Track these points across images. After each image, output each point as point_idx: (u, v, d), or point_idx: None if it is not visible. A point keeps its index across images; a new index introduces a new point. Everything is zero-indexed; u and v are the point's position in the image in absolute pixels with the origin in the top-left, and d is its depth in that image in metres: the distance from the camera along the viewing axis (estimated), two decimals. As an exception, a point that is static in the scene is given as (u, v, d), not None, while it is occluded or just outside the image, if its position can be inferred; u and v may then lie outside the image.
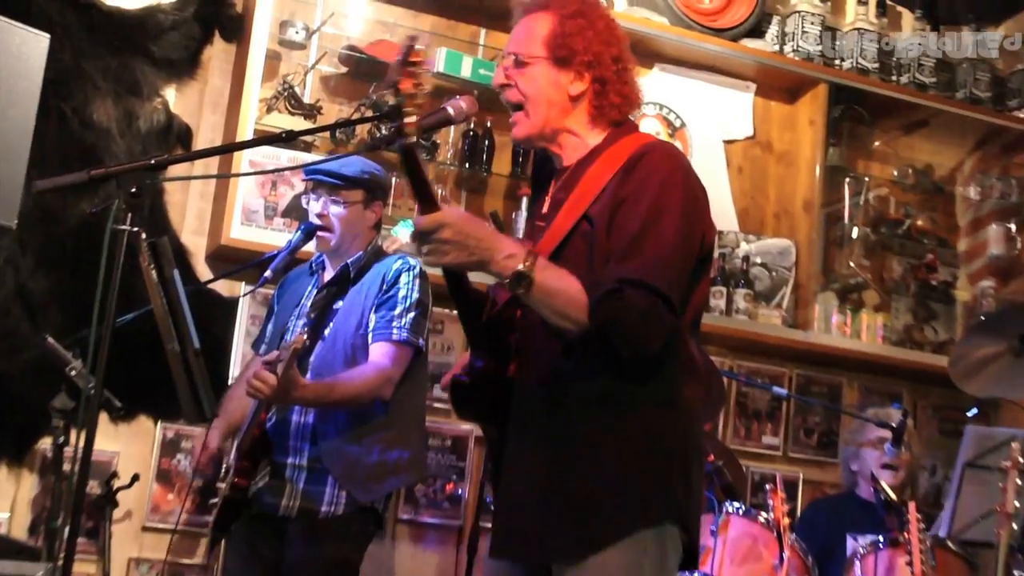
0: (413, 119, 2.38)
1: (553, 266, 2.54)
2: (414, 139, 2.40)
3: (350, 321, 3.94)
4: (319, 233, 4.01)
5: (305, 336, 3.67)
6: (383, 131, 4.99)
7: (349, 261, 4.03)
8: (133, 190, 2.39)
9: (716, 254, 5.67)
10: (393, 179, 5.17)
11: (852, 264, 6.05)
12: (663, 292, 2.51)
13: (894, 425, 4.82)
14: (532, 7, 2.84)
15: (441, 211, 2.44)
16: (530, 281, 2.47)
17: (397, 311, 3.91)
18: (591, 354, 2.59)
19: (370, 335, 3.91)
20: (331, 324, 3.97)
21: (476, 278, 2.71)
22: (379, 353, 3.88)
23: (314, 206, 4.03)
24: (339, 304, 4.00)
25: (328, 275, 4.09)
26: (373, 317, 3.93)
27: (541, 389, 2.67)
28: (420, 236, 2.45)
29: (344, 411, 3.86)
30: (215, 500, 3.96)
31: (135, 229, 2.37)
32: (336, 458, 3.84)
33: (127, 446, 4.88)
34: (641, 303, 2.50)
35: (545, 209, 2.82)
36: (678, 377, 2.68)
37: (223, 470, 4.01)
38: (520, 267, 2.46)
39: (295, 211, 4.82)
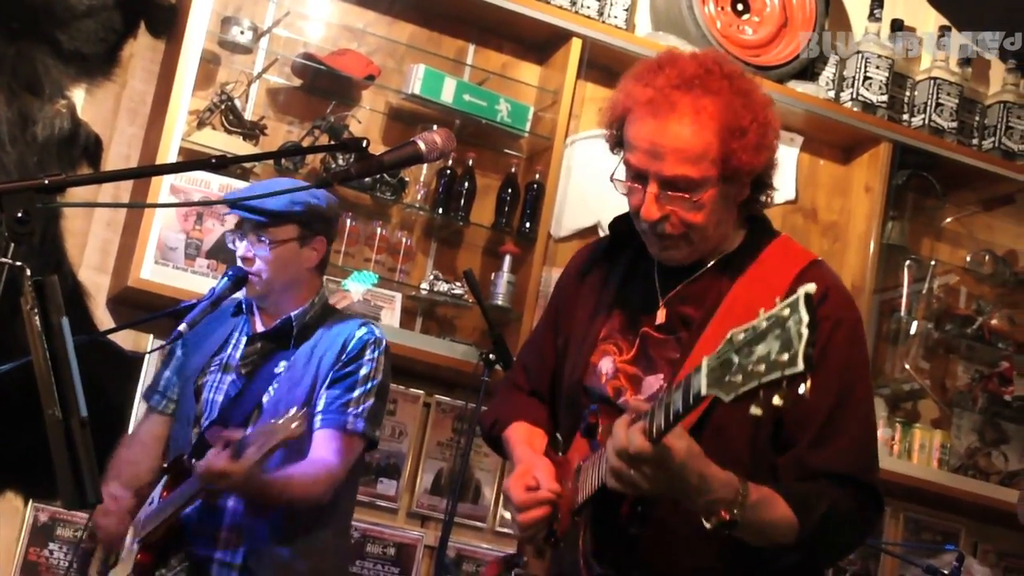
0: None
1: (764, 495, 2.50)
2: None
3: (296, 392, 3.92)
4: (251, 279, 3.97)
5: (300, 426, 3.65)
6: (340, 161, 5.01)
7: (292, 314, 4.01)
8: (20, 214, 2.38)
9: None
10: (348, 220, 5.19)
11: (908, 367, 6.06)
12: (877, 488, 2.59)
13: (946, 573, 4.83)
14: (688, 86, 2.62)
15: (660, 445, 2.34)
16: (734, 526, 2.45)
17: (356, 394, 3.92)
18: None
19: (317, 418, 3.91)
20: (271, 390, 3.94)
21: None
22: (326, 446, 3.88)
23: (239, 247, 4.01)
24: (281, 366, 3.98)
25: (261, 325, 4.07)
26: (325, 395, 3.92)
27: None
28: (624, 456, 2.38)
29: None
30: None
31: (18, 264, 2.37)
32: (265, 560, 3.84)
33: (-12, 529, 4.87)
34: (851, 509, 2.56)
35: (661, 320, 2.77)
36: None
37: (114, 557, 3.98)
38: (726, 516, 2.43)
39: (223, 252, 4.80)
